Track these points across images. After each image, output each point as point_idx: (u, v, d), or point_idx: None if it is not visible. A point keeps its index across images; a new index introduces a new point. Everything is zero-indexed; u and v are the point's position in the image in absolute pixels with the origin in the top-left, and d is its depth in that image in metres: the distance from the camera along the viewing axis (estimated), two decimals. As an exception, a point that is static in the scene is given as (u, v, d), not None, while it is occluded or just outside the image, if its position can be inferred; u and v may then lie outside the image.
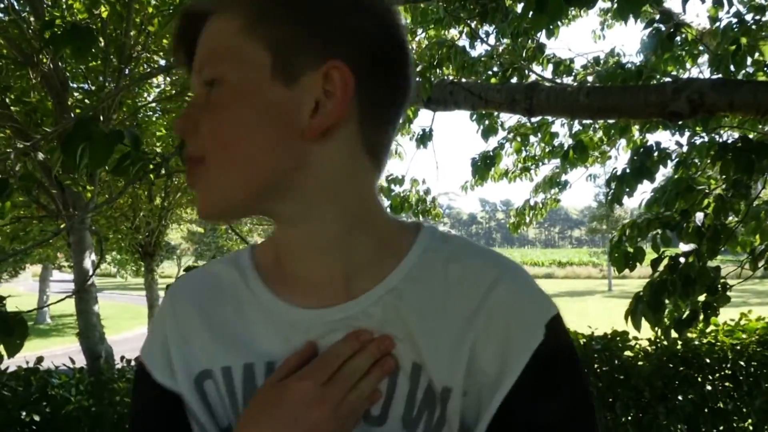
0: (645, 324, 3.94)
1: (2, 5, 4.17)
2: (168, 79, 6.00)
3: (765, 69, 3.73)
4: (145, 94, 6.66)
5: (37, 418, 2.75)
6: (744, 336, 4.25)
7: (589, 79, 5.26)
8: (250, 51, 0.57)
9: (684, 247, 2.85)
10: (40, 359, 3.10)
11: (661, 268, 2.96)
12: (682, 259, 2.77)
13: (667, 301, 3.46)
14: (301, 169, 0.59)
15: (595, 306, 20.14)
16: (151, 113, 6.39)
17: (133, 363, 3.17)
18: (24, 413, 2.72)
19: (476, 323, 0.60)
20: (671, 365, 3.90)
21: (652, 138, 4.60)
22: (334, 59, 0.57)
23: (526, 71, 4.43)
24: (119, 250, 8.78)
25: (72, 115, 3.95)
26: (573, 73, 5.26)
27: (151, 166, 1.93)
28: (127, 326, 15.85)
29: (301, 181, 0.59)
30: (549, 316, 0.61)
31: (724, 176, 2.75)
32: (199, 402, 0.65)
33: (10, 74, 4.27)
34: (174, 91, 6.18)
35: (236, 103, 0.58)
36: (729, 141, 2.85)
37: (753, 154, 2.49)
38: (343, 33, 0.58)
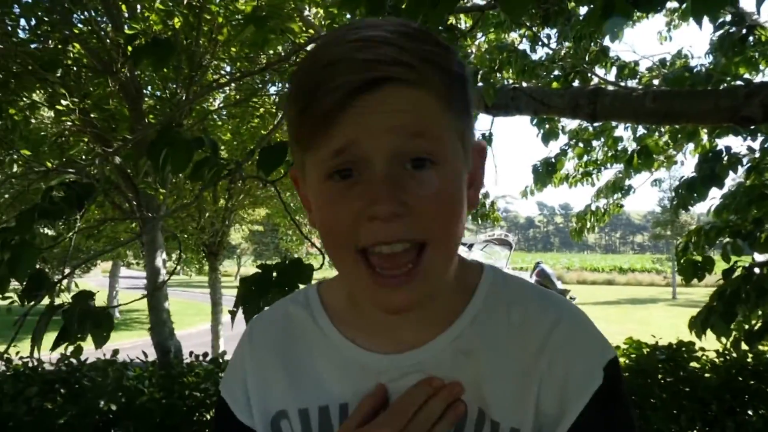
0: (711, 335, 3.83)
1: (83, 17, 4.43)
2: (233, 85, 6.21)
3: None
4: (211, 99, 6.91)
5: (114, 407, 2.92)
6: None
7: (655, 82, 5.12)
8: (452, 136, 0.59)
9: (758, 257, 2.75)
10: (116, 352, 3.28)
11: (734, 277, 2.87)
12: (756, 270, 2.67)
13: (746, 315, 3.35)
14: (453, 237, 0.61)
15: (659, 314, 19.43)
16: (216, 118, 6.62)
17: (200, 358, 3.31)
18: (102, 402, 2.89)
19: (539, 366, 0.62)
20: (740, 378, 3.75)
21: (721, 143, 4.45)
22: (479, 141, 0.64)
23: (589, 74, 4.37)
24: (186, 249, 9.12)
25: (146, 121, 4.16)
26: (638, 76, 5.14)
27: (225, 172, 2.03)
28: (190, 322, 16.38)
29: (452, 251, 0.63)
30: (607, 359, 0.63)
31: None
32: None
33: (89, 82, 4.54)
34: (238, 97, 6.40)
35: (456, 189, 0.58)
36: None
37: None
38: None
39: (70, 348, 3.23)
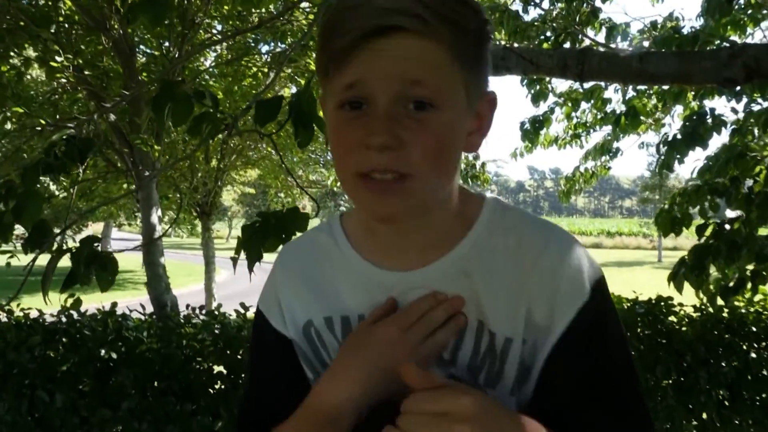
0: (692, 291, 3.99)
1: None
2: (224, 44, 6.18)
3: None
4: (202, 59, 6.88)
5: (114, 355, 3.03)
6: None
7: (645, 44, 5.16)
8: (456, 85, 0.66)
9: (730, 214, 2.87)
10: (114, 304, 3.38)
11: (707, 233, 3.00)
12: (728, 226, 2.79)
13: (714, 269, 3.49)
14: (455, 178, 0.72)
15: (644, 276, 19.82)
16: (207, 77, 6.60)
17: (197, 311, 3.42)
18: (103, 351, 3.00)
19: (531, 283, 0.70)
20: (715, 332, 3.92)
21: (709, 105, 4.53)
22: (490, 91, 0.72)
23: (579, 36, 4.40)
24: (179, 208, 9.18)
25: (139, 78, 4.17)
26: (629, 38, 5.17)
27: (222, 126, 2.10)
28: (183, 283, 16.50)
29: (450, 187, 0.73)
30: (594, 278, 0.71)
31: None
32: (307, 346, 0.79)
33: (81, 39, 4.52)
34: (230, 56, 6.37)
35: (450, 132, 0.66)
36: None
37: (807, 121, 2.47)
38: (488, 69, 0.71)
39: (70, 300, 3.33)
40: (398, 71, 0.63)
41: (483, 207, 0.77)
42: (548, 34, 4.35)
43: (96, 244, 1.61)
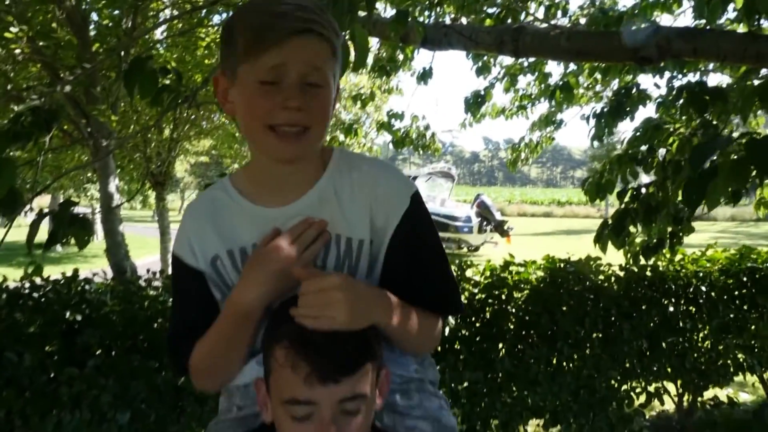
0: (620, 252, 4.37)
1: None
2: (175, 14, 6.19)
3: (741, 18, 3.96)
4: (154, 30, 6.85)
5: (78, 317, 3.18)
6: (708, 265, 4.67)
7: (582, 20, 5.45)
8: (331, 73, 0.98)
9: (645, 179, 3.20)
10: (76, 270, 3.51)
11: (626, 198, 3.33)
12: (643, 190, 3.12)
13: (638, 230, 3.85)
14: (326, 127, 1.01)
15: (589, 243, 20.61)
16: (159, 48, 6.60)
17: (157, 275, 3.58)
18: (68, 313, 3.15)
19: (371, 201, 1.01)
20: (639, 288, 4.32)
21: (644, 79, 4.86)
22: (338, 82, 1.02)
23: (522, 13, 4.65)
24: (131, 179, 9.15)
25: (92, 49, 4.22)
26: (568, 15, 5.46)
27: (181, 99, 2.27)
28: (136, 255, 16.23)
29: (324, 134, 1.01)
30: (412, 192, 1.03)
31: (683, 116, 3.07)
32: (215, 274, 1.05)
33: (30, 10, 4.50)
34: (181, 26, 6.38)
35: (329, 101, 0.99)
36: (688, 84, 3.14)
37: (707, 96, 2.79)
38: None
39: (31, 268, 3.45)
40: (308, 59, 0.93)
41: (333, 153, 1.06)
42: (491, 10, 4.56)
43: (74, 206, 1.78)
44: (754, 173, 1.48)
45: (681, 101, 2.90)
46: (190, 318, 1.05)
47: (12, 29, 3.69)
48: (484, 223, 17.66)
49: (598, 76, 5.34)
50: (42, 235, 2.15)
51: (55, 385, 3.04)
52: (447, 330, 3.84)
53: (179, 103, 2.23)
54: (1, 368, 3.00)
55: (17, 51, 3.97)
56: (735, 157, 1.55)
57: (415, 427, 0.99)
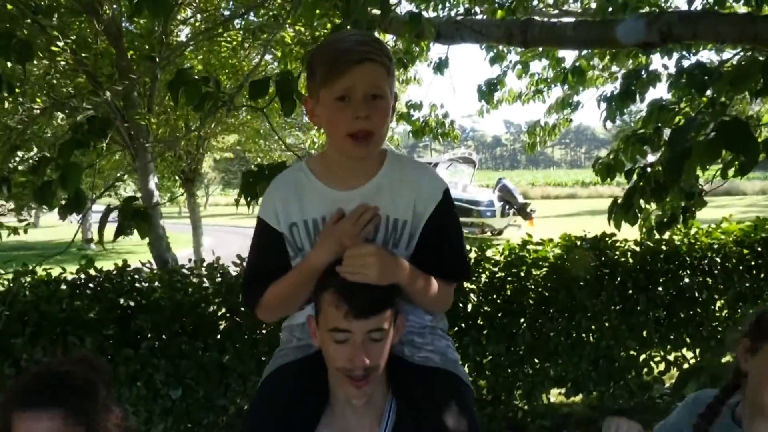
0: (635, 228, 4.55)
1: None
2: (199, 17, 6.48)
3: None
4: (177, 32, 7.15)
5: (132, 303, 3.50)
6: (723, 237, 4.82)
7: (593, 5, 5.58)
8: (389, 88, 1.25)
9: (651, 158, 3.38)
10: (125, 261, 3.83)
11: (635, 177, 3.51)
12: (649, 169, 3.30)
13: (650, 207, 4.03)
14: (386, 132, 1.26)
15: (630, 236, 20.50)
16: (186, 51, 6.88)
17: (198, 263, 3.87)
18: (122, 300, 3.46)
19: (415, 194, 1.28)
20: (656, 262, 4.49)
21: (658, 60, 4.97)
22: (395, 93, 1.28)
23: (531, 1, 4.81)
24: (162, 177, 9.52)
25: (128, 56, 4.51)
26: (579, 1, 5.60)
27: (220, 103, 2.53)
28: (167, 250, 16.82)
29: (385, 137, 1.27)
30: (443, 188, 1.32)
31: (687, 96, 3.23)
32: (290, 237, 1.33)
33: (66, 21, 4.80)
34: (203, 27, 6.66)
35: (388, 109, 1.24)
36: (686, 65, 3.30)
37: (706, 76, 2.96)
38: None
39: (83, 261, 3.76)
40: (369, 82, 1.20)
41: (387, 154, 1.34)
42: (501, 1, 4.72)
43: (136, 199, 2.05)
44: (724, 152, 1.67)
45: (676, 81, 3.06)
46: (266, 267, 1.34)
47: (58, 43, 4.00)
48: (507, 206, 17.78)
49: (610, 59, 5.50)
50: (61, 233, 2.43)
51: (113, 365, 3.36)
52: (470, 307, 4.08)
53: (219, 107, 2.49)
54: (65, 351, 3.33)
55: (62, 63, 4.27)
56: (705, 137, 1.75)
57: (427, 357, 1.27)
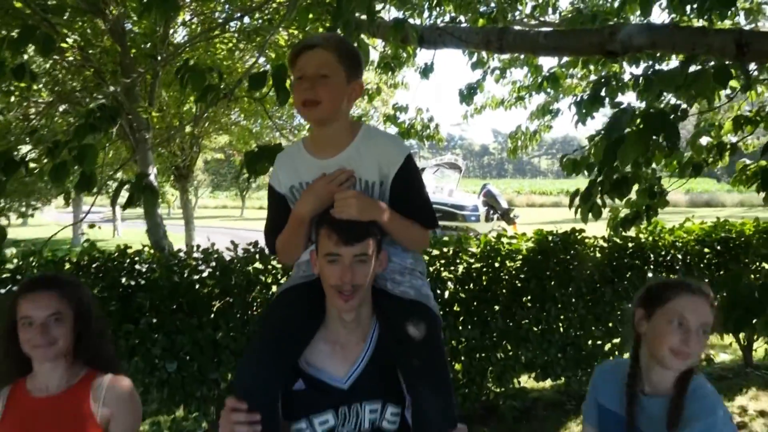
0: (603, 225, 4.87)
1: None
2: (195, 19, 6.75)
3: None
4: (173, 32, 7.42)
5: (132, 282, 3.75)
6: (685, 236, 5.16)
7: (570, 16, 5.92)
8: (339, 70, 1.47)
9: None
10: (126, 244, 4.08)
11: (595, 172, 3.84)
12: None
13: (617, 202, 4.34)
14: (340, 108, 1.54)
15: (597, 232, 20.95)
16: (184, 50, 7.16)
17: (195, 248, 4.13)
18: (124, 279, 3.72)
19: (381, 158, 1.55)
20: (621, 257, 4.82)
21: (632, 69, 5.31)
22: (358, 80, 1.56)
23: (508, 12, 5.13)
24: (159, 172, 9.76)
25: (131, 54, 4.78)
26: (558, 11, 5.94)
27: (222, 95, 2.81)
28: (156, 249, 16.96)
29: (339, 113, 1.54)
30: (407, 152, 1.59)
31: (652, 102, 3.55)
32: (291, 197, 1.62)
33: (71, 20, 5.05)
34: (199, 29, 6.93)
35: (337, 86, 1.49)
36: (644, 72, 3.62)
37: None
38: (360, 70, 1.56)
39: (86, 243, 4.00)
40: (315, 64, 1.50)
41: (361, 127, 1.62)
42: (483, 9, 5.05)
43: (147, 176, 2.33)
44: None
45: (634, 87, 3.37)
46: (276, 223, 1.63)
47: (68, 39, 4.24)
48: (491, 211, 18.14)
49: (591, 67, 5.84)
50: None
51: (114, 338, 3.60)
52: (447, 294, 4.37)
53: (220, 98, 2.77)
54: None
55: (70, 58, 4.52)
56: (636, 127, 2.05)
57: (404, 291, 1.55)
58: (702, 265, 5.08)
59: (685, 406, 1.52)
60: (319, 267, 1.48)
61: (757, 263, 5.21)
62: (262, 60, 6.92)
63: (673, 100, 4.81)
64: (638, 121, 2.04)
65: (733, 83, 4.78)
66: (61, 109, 5.58)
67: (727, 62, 3.35)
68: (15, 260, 3.69)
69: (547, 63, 6.98)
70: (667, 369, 1.59)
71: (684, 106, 4.31)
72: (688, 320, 1.56)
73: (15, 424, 1.65)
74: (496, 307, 4.48)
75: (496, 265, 4.53)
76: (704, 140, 4.71)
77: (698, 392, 1.55)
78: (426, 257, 4.32)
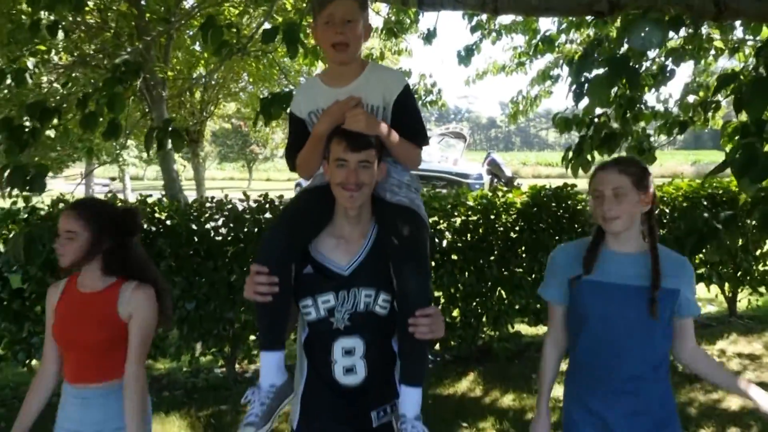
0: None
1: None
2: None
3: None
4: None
5: (153, 228, 4.07)
6: (673, 192, 5.42)
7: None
8: (360, 16, 1.73)
9: (599, 110, 3.94)
10: (146, 196, 4.39)
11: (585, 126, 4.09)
12: (596, 120, 3.87)
13: (603, 156, 4.59)
14: (359, 45, 1.80)
15: (600, 201, 21.15)
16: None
17: (208, 200, 4.43)
18: (145, 225, 4.03)
19: (386, 85, 1.81)
20: (611, 211, 5.09)
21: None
22: (368, 23, 1.83)
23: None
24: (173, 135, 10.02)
25: (146, 16, 5.03)
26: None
27: (236, 49, 3.07)
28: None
29: (358, 48, 1.81)
30: (405, 82, 1.84)
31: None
32: (309, 122, 1.88)
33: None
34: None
35: (359, 30, 1.73)
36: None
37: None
38: (368, 14, 1.81)
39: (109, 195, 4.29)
40: (343, 11, 1.73)
41: (368, 63, 1.87)
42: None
43: (173, 119, 2.60)
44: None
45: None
46: (297, 142, 1.89)
47: (89, 2, 4.49)
48: (495, 179, 18.40)
49: (591, 32, 6.03)
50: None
51: (138, 280, 3.93)
52: (445, 243, 4.67)
53: (234, 53, 3.03)
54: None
55: (91, 21, 4.77)
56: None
57: (400, 200, 1.85)
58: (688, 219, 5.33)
59: (660, 263, 1.83)
60: (330, 172, 1.76)
61: (744, 219, 5.46)
62: (268, 25, 7.13)
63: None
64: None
65: (718, 44, 5.01)
66: (79, 72, 5.84)
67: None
68: (46, 206, 4.00)
69: (546, 28, 7.18)
70: (611, 233, 1.90)
71: (671, 67, 4.55)
72: (601, 191, 1.87)
73: (64, 309, 2.07)
74: (492, 257, 4.77)
75: (492, 217, 4.81)
76: (691, 98, 4.95)
77: (666, 252, 1.90)
78: (426, 209, 4.61)
